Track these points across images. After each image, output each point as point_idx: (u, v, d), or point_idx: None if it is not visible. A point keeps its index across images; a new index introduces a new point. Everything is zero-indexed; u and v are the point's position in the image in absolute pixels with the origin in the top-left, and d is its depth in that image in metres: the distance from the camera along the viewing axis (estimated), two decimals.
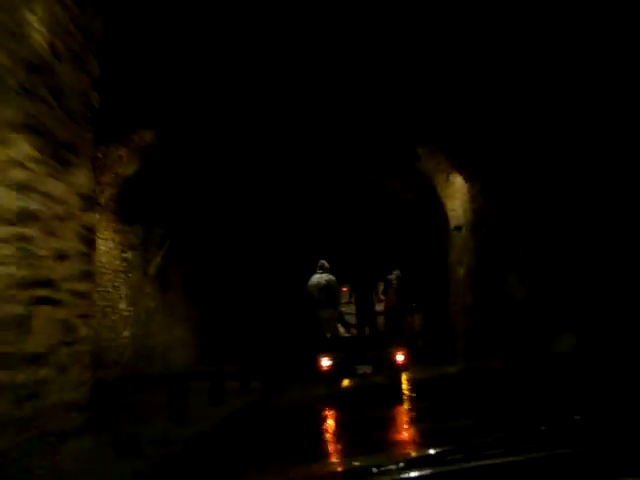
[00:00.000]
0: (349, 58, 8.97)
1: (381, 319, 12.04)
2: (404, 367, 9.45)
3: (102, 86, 5.29)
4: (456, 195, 10.32)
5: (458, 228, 10.46)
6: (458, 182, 10.03)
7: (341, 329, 11.84)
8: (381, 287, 12.26)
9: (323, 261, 11.28)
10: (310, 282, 11.05)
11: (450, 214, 10.67)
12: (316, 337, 10.50)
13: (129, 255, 12.26)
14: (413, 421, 7.28)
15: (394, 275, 11.57)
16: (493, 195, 8.24)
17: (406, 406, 8.55)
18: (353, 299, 11.86)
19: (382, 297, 11.80)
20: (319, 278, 10.96)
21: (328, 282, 10.86)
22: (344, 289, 12.05)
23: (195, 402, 6.96)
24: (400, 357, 9.29)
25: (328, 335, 10.69)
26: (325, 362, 9.16)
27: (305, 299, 11.20)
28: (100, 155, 10.23)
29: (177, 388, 6.48)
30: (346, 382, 9.72)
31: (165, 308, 13.49)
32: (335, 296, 11.05)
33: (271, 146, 12.80)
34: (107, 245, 11.37)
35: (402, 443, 5.90)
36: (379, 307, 11.85)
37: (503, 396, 7.05)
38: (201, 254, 15.39)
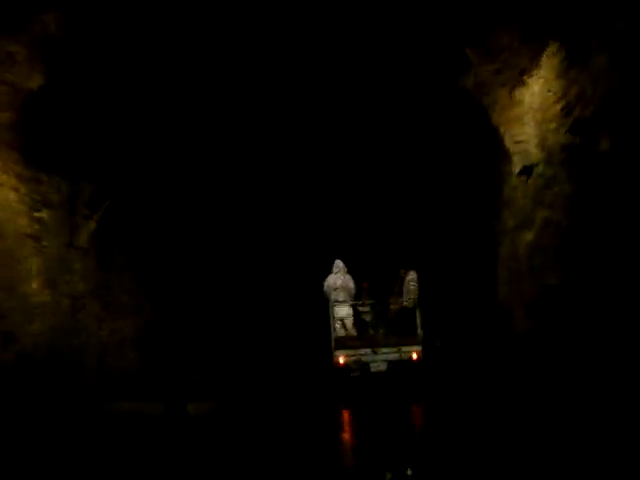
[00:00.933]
0: None
1: (397, 317, 11.05)
2: (418, 365, 10.07)
3: None
4: (525, 119, 6.64)
5: (528, 169, 6.78)
6: (532, 94, 6.33)
7: (352, 329, 11.35)
8: (398, 286, 11.35)
9: (338, 261, 11.52)
10: (326, 283, 11.40)
11: (513, 149, 6.92)
12: (329, 338, 10.69)
13: (44, 215, 8.68)
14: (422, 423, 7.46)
15: (410, 277, 10.78)
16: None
17: (418, 407, 9.01)
18: (369, 297, 11.64)
19: (399, 299, 11.04)
20: (335, 278, 11.31)
21: (344, 282, 11.22)
22: (364, 285, 11.81)
23: None
24: (414, 356, 10.06)
25: (343, 333, 10.90)
26: (341, 359, 10.14)
27: (320, 299, 11.39)
28: None
29: None
30: (359, 379, 10.20)
31: (103, 294, 9.84)
32: (351, 295, 11.31)
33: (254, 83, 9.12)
34: (4, 195, 7.74)
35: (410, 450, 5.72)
36: (395, 306, 11.18)
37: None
38: (163, 225, 11.68)
